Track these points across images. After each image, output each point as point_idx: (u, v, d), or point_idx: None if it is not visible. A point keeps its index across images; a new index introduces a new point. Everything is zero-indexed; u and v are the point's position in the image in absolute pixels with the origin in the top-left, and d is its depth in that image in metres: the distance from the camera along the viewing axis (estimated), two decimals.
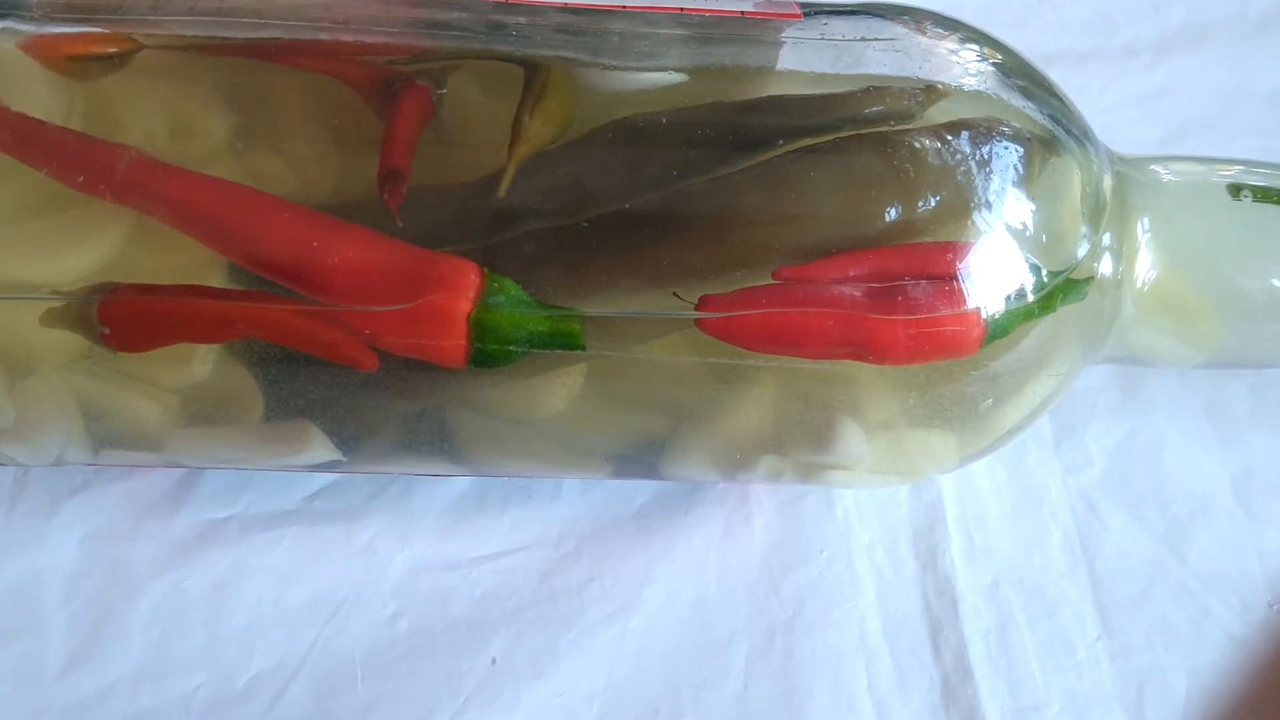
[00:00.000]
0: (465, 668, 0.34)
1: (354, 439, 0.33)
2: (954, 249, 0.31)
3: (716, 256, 0.31)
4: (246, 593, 0.35)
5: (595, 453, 0.34)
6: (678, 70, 0.34)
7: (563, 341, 0.30)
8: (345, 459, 0.33)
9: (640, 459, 0.34)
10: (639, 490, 0.38)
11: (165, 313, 0.30)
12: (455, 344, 0.30)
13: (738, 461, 0.34)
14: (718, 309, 0.30)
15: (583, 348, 0.30)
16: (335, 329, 0.30)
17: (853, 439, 0.32)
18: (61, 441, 0.33)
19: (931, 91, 0.33)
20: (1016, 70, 0.34)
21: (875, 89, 0.33)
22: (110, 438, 0.33)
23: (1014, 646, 0.36)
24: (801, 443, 0.33)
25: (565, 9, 0.34)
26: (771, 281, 0.30)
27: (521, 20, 0.34)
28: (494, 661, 0.35)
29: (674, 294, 0.30)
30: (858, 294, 0.30)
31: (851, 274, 0.30)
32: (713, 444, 0.33)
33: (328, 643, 0.35)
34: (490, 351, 0.30)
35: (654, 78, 0.34)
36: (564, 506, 0.37)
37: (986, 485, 0.38)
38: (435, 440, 0.33)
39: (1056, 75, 0.36)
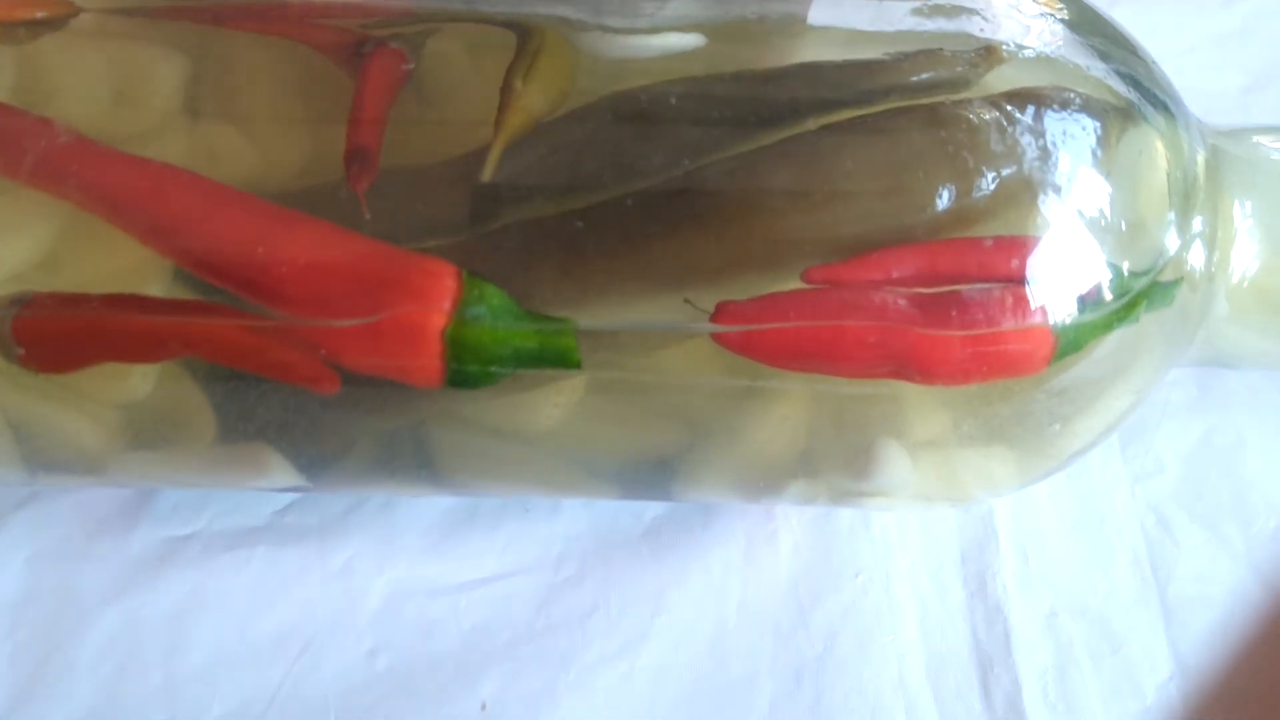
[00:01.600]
0: (452, 713, 0.31)
1: (318, 462, 0.29)
2: (1018, 245, 0.26)
3: (735, 254, 0.26)
4: (208, 623, 0.32)
5: (597, 472, 0.30)
6: (691, 29, 0.29)
7: (555, 359, 0.25)
8: (310, 484, 0.29)
9: (649, 480, 0.30)
10: (650, 504, 0.33)
11: (90, 329, 0.25)
12: (428, 364, 0.25)
13: (761, 487, 0.30)
14: (737, 320, 0.25)
15: (578, 366, 0.26)
16: (287, 347, 0.25)
17: (895, 464, 0.28)
18: None
19: (989, 55, 0.28)
20: (1089, 25, 0.29)
21: (922, 52, 0.28)
22: (45, 460, 0.29)
23: (1074, 688, 0.31)
24: (835, 467, 0.29)
25: None
26: (800, 285, 0.26)
27: None
28: (484, 707, 0.31)
29: (686, 301, 0.26)
30: (902, 303, 0.25)
31: (894, 275, 0.26)
32: (732, 466, 0.29)
33: (298, 682, 0.31)
34: (470, 373, 0.25)
35: (663, 43, 0.29)
36: (565, 522, 0.33)
37: (1044, 497, 0.34)
38: (413, 462, 0.29)
39: (1122, 15, 0.30)
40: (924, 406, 0.28)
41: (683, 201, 0.26)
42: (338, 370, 0.26)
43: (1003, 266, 0.26)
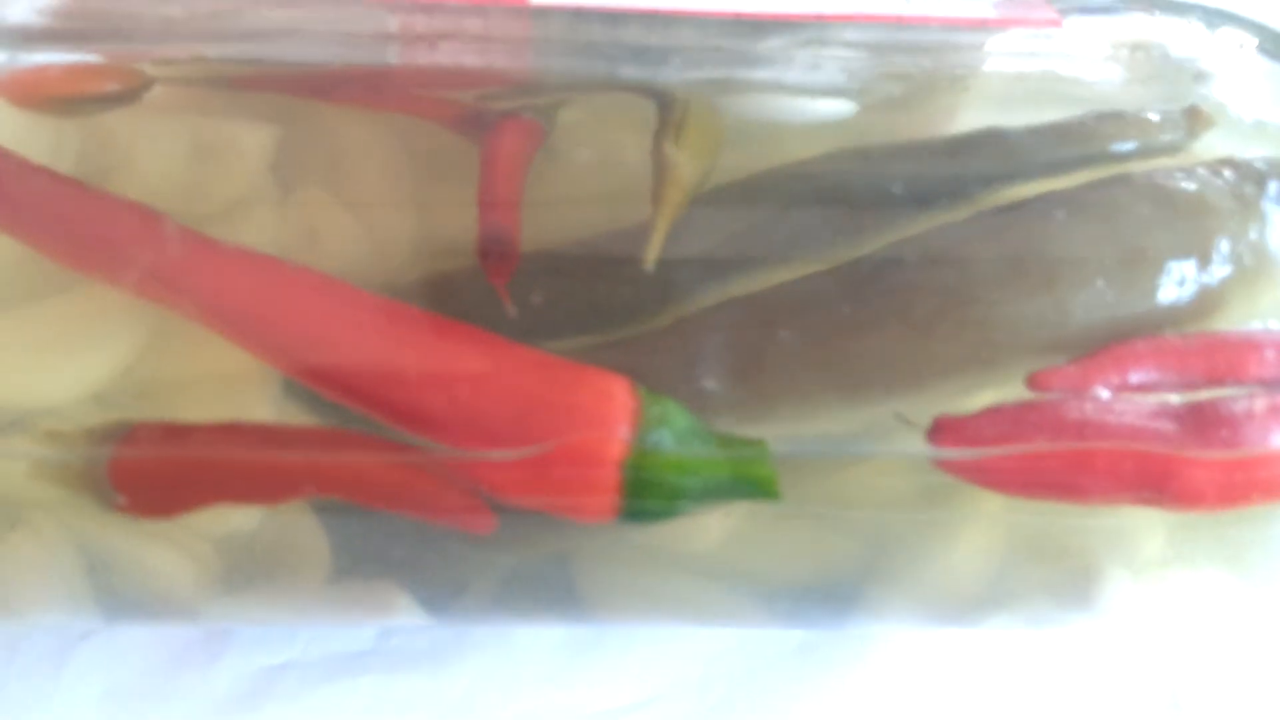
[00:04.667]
0: None
1: (449, 600, 0.25)
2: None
3: (943, 353, 0.23)
4: None
5: (761, 600, 0.26)
6: (843, 90, 0.25)
7: (751, 491, 0.21)
8: (435, 622, 0.25)
9: (822, 609, 0.26)
10: None
11: (204, 469, 0.21)
12: (601, 501, 0.21)
13: (953, 618, 0.26)
14: (961, 440, 0.22)
15: (778, 498, 0.22)
16: (439, 482, 0.21)
17: (1116, 592, 0.24)
18: (60, 612, 0.24)
19: (1197, 118, 0.25)
20: None
21: (1121, 115, 0.25)
22: (125, 603, 0.25)
23: None
24: (1044, 596, 0.25)
25: (709, 21, 0.25)
26: (1027, 394, 0.22)
27: (649, 38, 0.26)
28: None
29: (897, 416, 0.22)
30: (1158, 418, 0.22)
31: (1134, 379, 0.22)
32: (923, 595, 0.25)
33: None
34: (649, 509, 0.21)
35: (819, 107, 0.25)
36: (705, 639, 0.29)
37: None
38: (554, 595, 0.25)
39: None
40: (1148, 528, 0.24)
41: (878, 289, 0.23)
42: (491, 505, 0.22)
43: (1261, 366, 0.22)
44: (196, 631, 0.29)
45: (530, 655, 0.29)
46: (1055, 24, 0.24)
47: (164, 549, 0.24)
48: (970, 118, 0.26)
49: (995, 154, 0.25)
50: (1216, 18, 0.26)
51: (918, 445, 0.22)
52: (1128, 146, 0.25)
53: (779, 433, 0.22)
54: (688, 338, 0.23)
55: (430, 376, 0.21)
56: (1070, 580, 0.24)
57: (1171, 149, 0.25)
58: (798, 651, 0.29)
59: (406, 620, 0.25)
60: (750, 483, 0.21)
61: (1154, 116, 0.25)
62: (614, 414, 0.21)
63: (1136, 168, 0.24)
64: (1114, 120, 0.25)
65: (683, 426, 0.21)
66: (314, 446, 0.21)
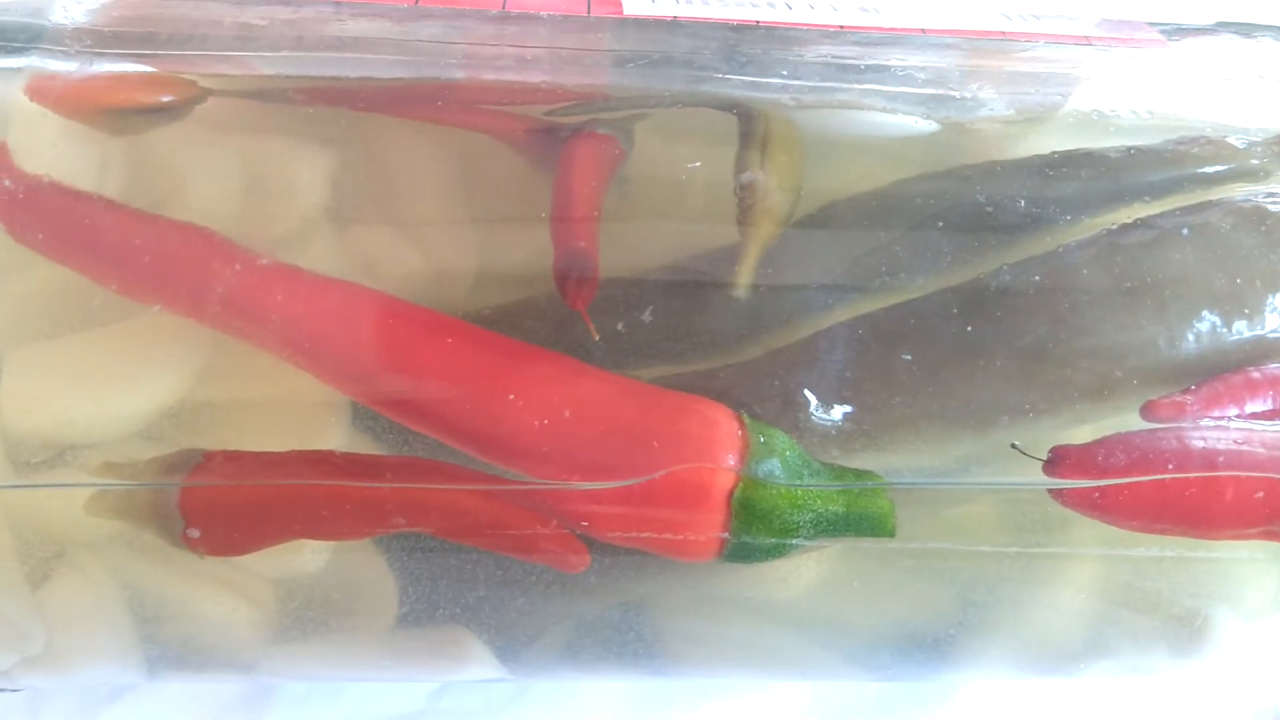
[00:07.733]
0: None
1: (524, 650, 0.23)
2: None
3: (1055, 382, 0.22)
4: None
5: (849, 651, 0.25)
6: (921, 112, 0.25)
7: (866, 526, 0.20)
8: (509, 675, 0.24)
9: (914, 655, 0.24)
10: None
11: (285, 501, 0.19)
12: (706, 536, 0.20)
13: (1051, 668, 0.24)
14: (1082, 470, 0.21)
15: (893, 534, 0.20)
16: (534, 516, 0.20)
17: (1231, 638, 0.23)
18: (105, 665, 0.23)
19: None
20: None
21: (1209, 141, 0.24)
22: (175, 653, 0.23)
23: None
24: (1150, 638, 0.24)
25: (802, 33, 0.25)
26: (1144, 423, 0.21)
27: (736, 52, 0.25)
28: None
29: (1013, 446, 0.21)
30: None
31: (1249, 408, 0.21)
32: (1023, 644, 0.24)
33: None
34: (755, 546, 0.20)
35: (898, 126, 0.24)
36: (778, 697, 0.28)
37: None
38: (633, 645, 0.23)
39: None
40: (1261, 568, 0.23)
41: (986, 317, 0.22)
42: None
43: None
44: (237, 691, 0.27)
45: (594, 715, 0.27)
46: (1160, 43, 0.24)
47: (219, 591, 0.22)
48: (1065, 139, 0.25)
49: (1092, 176, 0.24)
50: None
51: (1035, 477, 0.21)
52: (1220, 170, 0.24)
53: (882, 465, 0.21)
54: (788, 366, 0.21)
55: (525, 405, 0.19)
56: (1178, 624, 0.23)
57: (1262, 173, 0.24)
58: (874, 707, 0.28)
59: (475, 671, 0.23)
60: (865, 518, 0.20)
61: (1245, 140, 0.24)
62: (721, 443, 0.20)
63: (1228, 192, 0.24)
64: (1208, 144, 0.24)
65: (792, 457, 0.20)
66: (407, 478, 0.20)
